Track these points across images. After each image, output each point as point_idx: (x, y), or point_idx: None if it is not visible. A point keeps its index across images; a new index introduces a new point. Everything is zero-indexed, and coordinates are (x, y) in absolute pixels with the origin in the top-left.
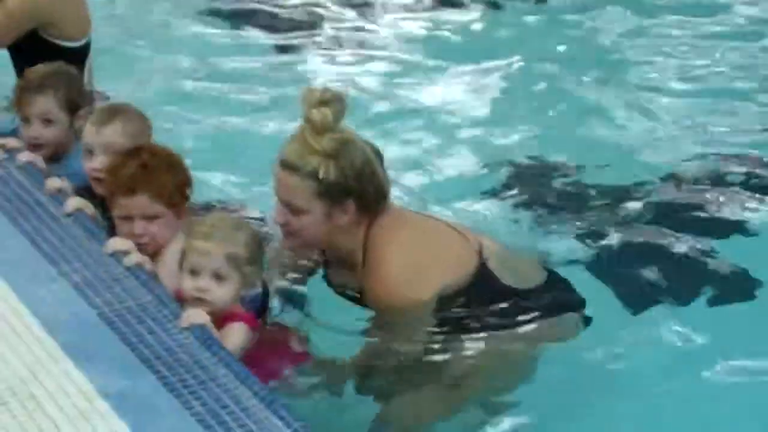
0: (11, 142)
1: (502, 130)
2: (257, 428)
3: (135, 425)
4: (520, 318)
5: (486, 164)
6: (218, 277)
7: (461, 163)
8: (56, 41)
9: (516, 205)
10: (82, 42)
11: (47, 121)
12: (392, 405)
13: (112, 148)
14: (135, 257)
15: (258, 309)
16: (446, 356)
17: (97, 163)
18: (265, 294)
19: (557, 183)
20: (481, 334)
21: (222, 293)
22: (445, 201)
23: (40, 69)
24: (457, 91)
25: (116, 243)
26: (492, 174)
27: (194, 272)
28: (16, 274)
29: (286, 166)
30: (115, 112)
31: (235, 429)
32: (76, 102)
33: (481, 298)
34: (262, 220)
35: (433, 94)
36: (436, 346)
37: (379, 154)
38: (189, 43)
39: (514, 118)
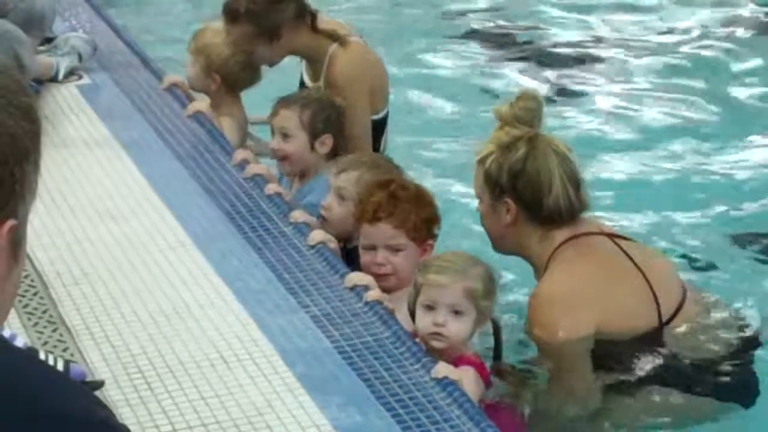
0: (254, 168)
1: None
2: None
3: None
4: (669, 388)
5: None
6: (456, 311)
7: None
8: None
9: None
10: (383, 114)
11: (285, 136)
12: None
13: (341, 193)
14: (375, 293)
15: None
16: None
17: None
18: (497, 331)
19: None
20: (628, 390)
21: (458, 328)
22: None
23: (305, 90)
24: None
25: (357, 278)
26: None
27: (430, 307)
28: (258, 303)
29: (476, 153)
30: (354, 162)
31: None
32: (319, 127)
33: (639, 359)
34: None
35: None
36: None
37: (573, 177)
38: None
39: None
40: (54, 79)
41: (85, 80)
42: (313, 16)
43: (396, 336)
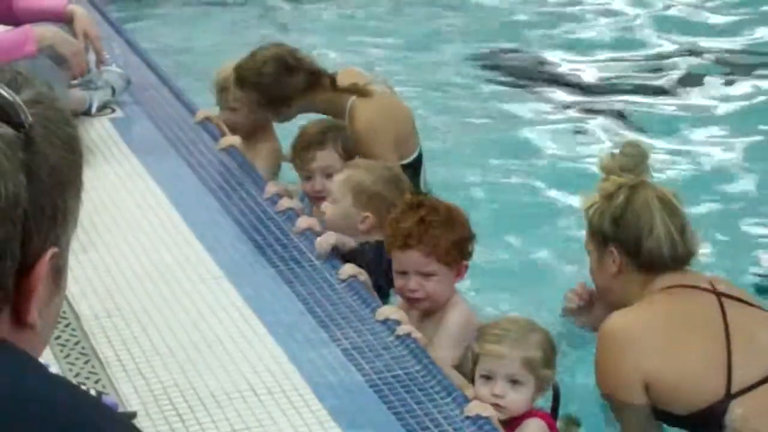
0: (286, 202)
1: None
2: None
3: None
4: None
5: None
6: (514, 381)
7: None
8: None
9: None
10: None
11: (329, 175)
12: None
13: (332, 197)
14: (406, 327)
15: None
16: None
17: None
18: (556, 395)
19: None
20: None
21: (517, 398)
22: None
23: (316, 125)
24: None
25: (388, 311)
26: None
27: (488, 377)
28: (289, 336)
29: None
30: (349, 165)
31: None
32: (350, 152)
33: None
34: None
35: None
36: None
37: (677, 221)
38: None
39: None
40: (87, 113)
41: (118, 114)
42: (332, 78)
43: (427, 370)
